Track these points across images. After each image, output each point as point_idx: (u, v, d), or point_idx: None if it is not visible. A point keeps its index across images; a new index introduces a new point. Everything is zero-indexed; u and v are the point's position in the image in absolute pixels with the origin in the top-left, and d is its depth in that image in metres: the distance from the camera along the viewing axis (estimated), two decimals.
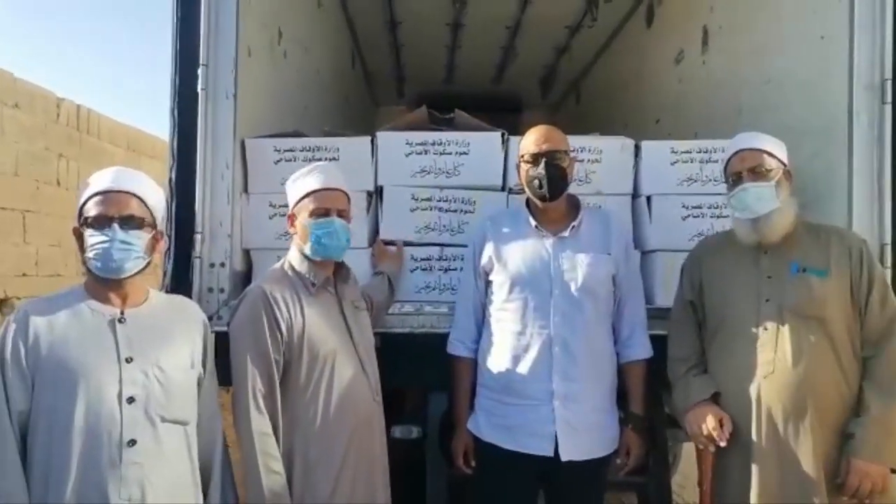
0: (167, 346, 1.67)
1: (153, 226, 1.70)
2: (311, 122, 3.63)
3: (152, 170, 7.42)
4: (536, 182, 2.08)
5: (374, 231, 2.56)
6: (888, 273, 2.23)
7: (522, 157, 2.14)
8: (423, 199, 2.53)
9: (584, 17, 4.94)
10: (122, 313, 1.63)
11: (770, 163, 1.91)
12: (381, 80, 6.59)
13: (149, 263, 1.69)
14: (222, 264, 2.37)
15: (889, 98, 2.31)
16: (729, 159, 1.99)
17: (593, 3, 4.70)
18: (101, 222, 1.61)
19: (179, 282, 2.31)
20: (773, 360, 1.82)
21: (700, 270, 2.04)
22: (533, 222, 2.13)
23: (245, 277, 2.52)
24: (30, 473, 1.48)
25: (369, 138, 2.56)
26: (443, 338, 2.37)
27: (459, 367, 2.21)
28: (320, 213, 1.95)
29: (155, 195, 1.73)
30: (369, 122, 6.80)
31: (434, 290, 2.52)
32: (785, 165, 1.94)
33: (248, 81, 2.52)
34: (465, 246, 2.49)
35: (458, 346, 2.22)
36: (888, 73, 2.31)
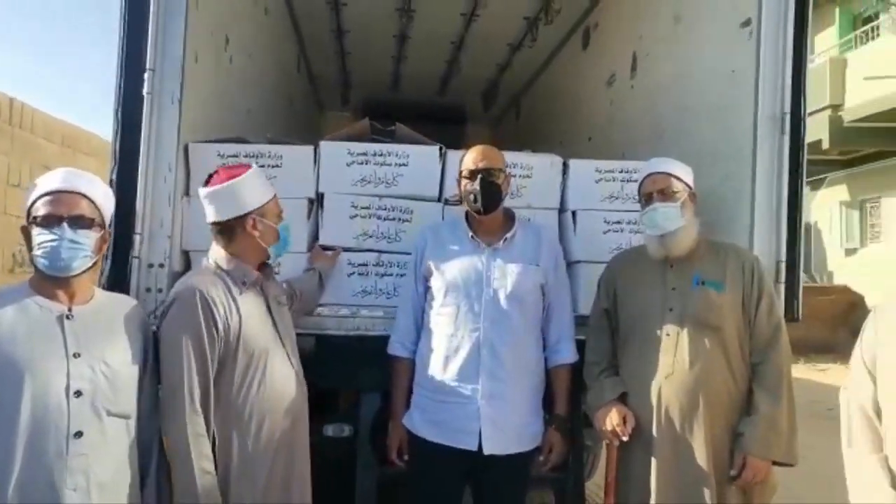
0: (113, 342, 1.73)
1: (102, 226, 1.75)
2: (255, 127, 3.69)
3: (88, 166, 7.25)
4: (472, 196, 2.23)
5: (315, 237, 2.65)
6: (781, 287, 2.49)
7: (461, 172, 2.30)
8: (362, 208, 2.64)
9: (525, 37, 5.16)
10: (69, 310, 1.68)
11: (677, 185, 2.12)
12: (327, 86, 6.66)
13: (96, 262, 1.75)
14: (161, 265, 2.41)
15: (787, 129, 2.56)
16: (642, 181, 2.19)
17: (534, 24, 4.92)
18: (50, 221, 1.66)
19: (117, 281, 2.34)
20: (673, 362, 2.02)
21: (615, 281, 2.24)
22: (470, 233, 2.28)
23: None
24: None
25: (312, 147, 2.66)
26: (377, 340, 2.50)
27: (398, 367, 2.34)
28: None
29: (104, 196, 1.79)
30: (314, 126, 6.85)
31: (370, 294, 2.63)
32: (690, 188, 2.16)
33: (194, 86, 2.58)
34: (401, 253, 2.64)
35: (397, 347, 2.35)
36: (787, 107, 2.56)
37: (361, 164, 2.67)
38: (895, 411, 1.64)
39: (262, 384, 1.95)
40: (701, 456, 1.98)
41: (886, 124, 11.44)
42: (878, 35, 12.07)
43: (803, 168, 2.57)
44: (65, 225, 1.66)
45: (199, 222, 2.55)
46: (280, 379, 2.00)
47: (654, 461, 2.01)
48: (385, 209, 2.66)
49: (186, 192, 2.58)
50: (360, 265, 2.64)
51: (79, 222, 1.68)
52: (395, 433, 2.32)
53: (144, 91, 2.37)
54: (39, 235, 1.66)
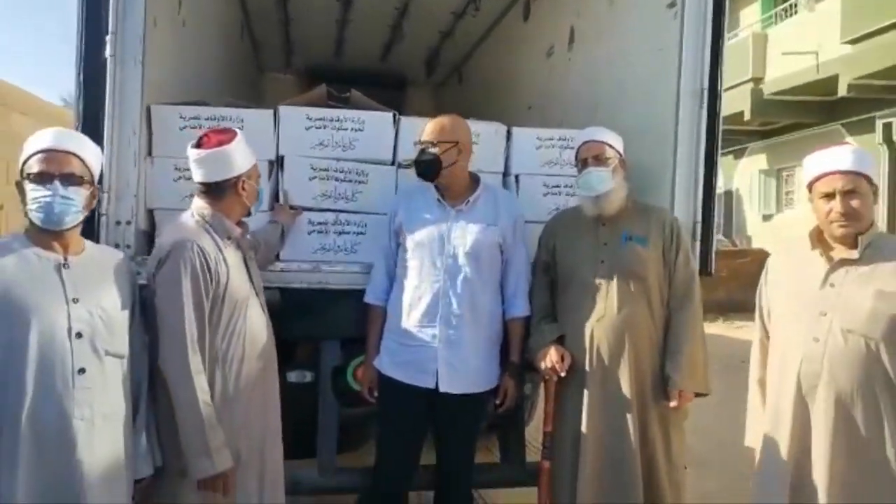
0: (106, 288, 1.88)
1: (91, 183, 1.88)
2: (204, 90, 3.74)
3: (25, 127, 6.96)
4: (416, 165, 2.46)
5: (275, 197, 2.80)
6: (697, 245, 2.82)
7: (416, 142, 2.52)
8: (321, 170, 2.81)
9: (468, 6, 5.30)
10: (65, 259, 1.82)
11: (609, 152, 2.40)
12: (269, 49, 6.62)
13: (86, 217, 1.88)
14: (128, 222, 2.52)
15: (705, 102, 2.86)
16: (579, 148, 2.46)
17: None
18: (43, 178, 1.78)
19: (85, 237, 2.43)
20: (604, 308, 2.33)
21: (553, 238, 2.51)
22: (437, 196, 2.51)
23: (148, 236, 2.69)
24: None
25: (272, 111, 2.79)
26: (336, 294, 2.70)
27: (372, 314, 2.59)
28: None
29: (93, 155, 1.92)
30: (255, 88, 6.84)
31: (329, 251, 2.81)
32: (621, 155, 2.44)
33: (153, 50, 2.65)
34: (358, 212, 2.84)
35: (370, 296, 2.60)
36: (706, 83, 2.86)
37: (319, 128, 2.82)
38: (777, 338, 2.00)
39: (242, 330, 2.13)
40: (626, 387, 2.30)
41: (802, 98, 12.19)
42: (796, 12, 12.75)
43: (718, 139, 2.88)
44: (57, 182, 1.78)
45: (162, 183, 2.70)
46: (256, 327, 2.19)
47: (585, 393, 2.31)
48: (342, 171, 2.83)
49: (149, 153, 2.67)
50: (319, 224, 2.81)
51: (70, 180, 1.81)
52: (367, 373, 2.58)
53: (107, 53, 2.44)
54: (34, 191, 1.78)
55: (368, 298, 2.61)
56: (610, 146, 2.42)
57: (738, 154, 15.61)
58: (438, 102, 7.58)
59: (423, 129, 2.52)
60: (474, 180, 2.61)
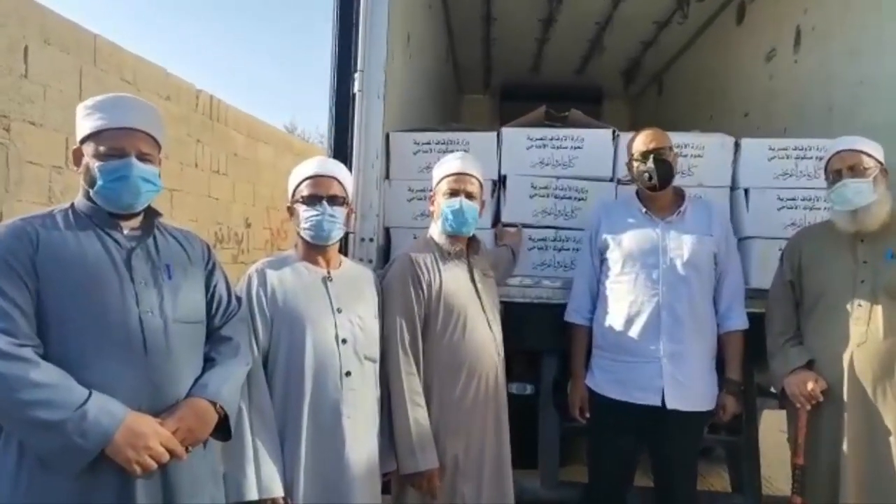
0: (362, 300, 2.11)
1: (347, 203, 2.12)
2: (422, 115, 4.03)
3: (266, 154, 8.07)
4: (646, 175, 2.42)
5: (497, 215, 2.93)
6: None
7: (632, 155, 2.48)
8: (541, 188, 2.89)
9: (674, 14, 5.14)
10: (328, 273, 2.07)
11: (868, 162, 2.18)
12: (469, 70, 6.92)
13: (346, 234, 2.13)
14: (371, 239, 2.78)
15: None
16: (830, 159, 2.26)
17: (685, 1, 4.90)
18: (313, 200, 2.04)
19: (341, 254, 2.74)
20: (866, 332, 2.11)
21: (799, 255, 2.33)
22: (643, 209, 2.47)
23: (385, 252, 2.94)
24: (272, 395, 1.91)
25: (495, 133, 2.93)
26: (557, 308, 2.75)
27: (577, 333, 2.58)
28: (451, 193, 2.30)
29: (349, 179, 2.17)
30: (455, 109, 7.18)
31: (549, 266, 2.88)
32: (881, 164, 2.20)
33: (390, 83, 2.92)
34: (577, 229, 2.87)
35: (574, 315, 2.59)
36: None
37: (540, 147, 2.91)
38: None
39: (461, 338, 2.24)
40: (892, 419, 2.07)
41: None
42: None
43: None
44: (324, 203, 2.04)
45: (398, 203, 2.95)
46: (479, 338, 2.28)
47: (845, 422, 2.11)
48: (562, 189, 2.88)
49: (386, 176, 2.93)
50: (539, 240, 2.89)
51: (334, 200, 2.06)
52: (577, 392, 2.56)
53: (355, 89, 2.73)
54: (305, 212, 2.04)
55: (573, 318, 2.60)
56: (868, 155, 2.19)
57: None
58: (636, 114, 7.41)
59: (637, 142, 2.49)
60: (677, 192, 2.54)
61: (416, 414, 2.13)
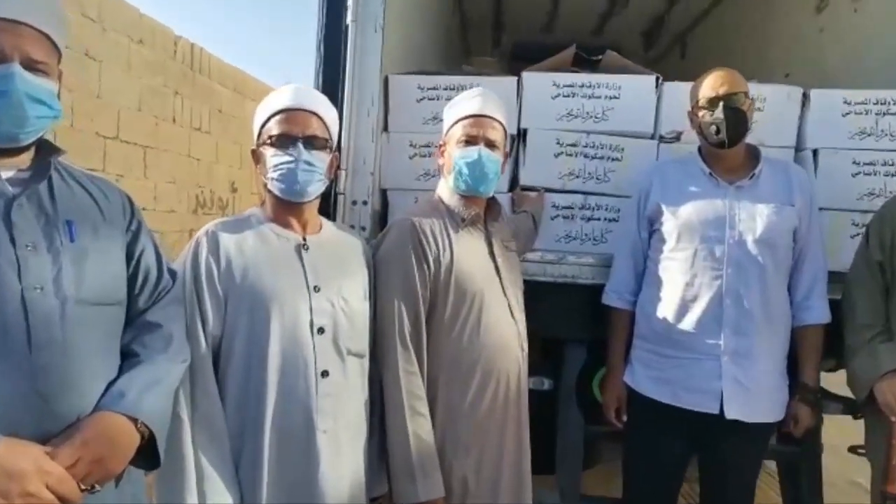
0: (347, 276, 1.63)
1: (331, 149, 1.65)
2: (424, 66, 3.54)
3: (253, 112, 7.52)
4: (714, 127, 1.95)
5: (515, 177, 2.47)
6: None
7: (698, 101, 2.01)
8: (568, 145, 2.42)
9: None
10: (304, 240, 1.60)
11: None
12: (477, 28, 6.40)
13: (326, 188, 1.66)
14: (364, 202, 2.32)
15: None
16: None
17: None
18: (284, 142, 1.55)
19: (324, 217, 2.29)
20: None
21: (893, 230, 1.88)
22: (707, 170, 2.01)
23: (382, 218, 2.49)
24: (225, 398, 1.46)
25: (515, 78, 2.45)
26: (585, 289, 2.31)
27: (616, 319, 2.13)
28: (467, 140, 1.81)
29: (332, 115, 1.68)
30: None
31: (575, 240, 2.43)
32: None
33: (390, 14, 2.43)
34: (610, 195, 2.42)
35: (614, 298, 2.14)
36: None
37: (568, 96, 2.43)
38: None
39: (476, 330, 1.77)
40: None
41: None
42: None
43: None
44: (300, 145, 1.55)
45: (397, 160, 2.48)
46: (499, 329, 1.81)
47: None
48: (593, 146, 2.42)
49: (385, 128, 2.47)
50: (564, 208, 2.43)
51: (313, 142, 1.58)
52: (614, 391, 2.12)
53: (348, 20, 2.25)
54: (274, 157, 1.56)
55: (611, 300, 2.16)
56: None
57: None
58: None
59: (706, 85, 2.01)
60: (751, 150, 2.07)
61: (417, 426, 1.66)
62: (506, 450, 1.80)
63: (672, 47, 6.44)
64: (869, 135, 2.34)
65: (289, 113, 1.58)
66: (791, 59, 4.01)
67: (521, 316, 1.89)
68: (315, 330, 1.51)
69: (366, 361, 1.65)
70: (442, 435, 1.73)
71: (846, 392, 2.15)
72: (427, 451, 1.65)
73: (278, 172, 1.55)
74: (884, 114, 2.33)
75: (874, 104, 2.34)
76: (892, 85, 2.79)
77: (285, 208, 1.60)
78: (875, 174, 2.31)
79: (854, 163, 2.32)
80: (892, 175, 2.29)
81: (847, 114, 2.35)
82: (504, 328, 1.83)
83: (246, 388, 1.46)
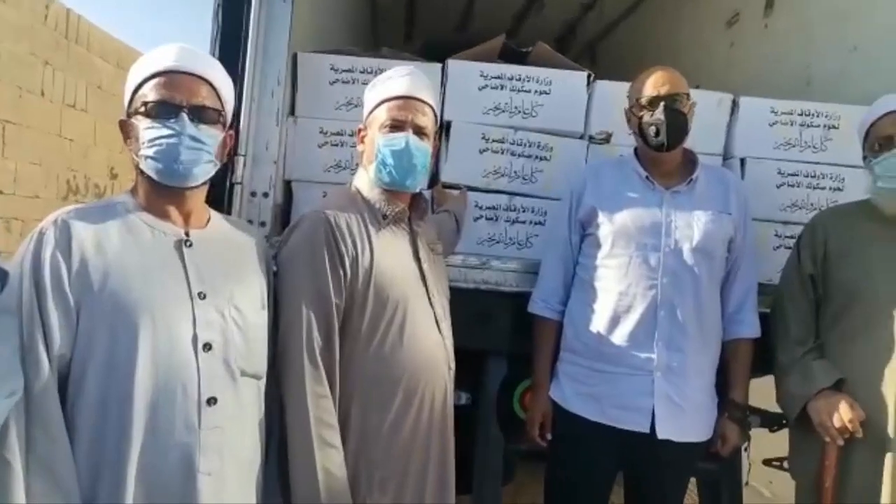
0: (241, 280, 1.35)
1: (224, 124, 1.36)
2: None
3: (112, 78, 6.73)
4: (653, 129, 1.83)
5: (436, 172, 2.26)
6: None
7: (638, 101, 1.88)
8: (494, 140, 2.25)
9: None
10: (186, 235, 1.30)
11: None
12: (388, 22, 6.16)
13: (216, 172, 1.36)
14: (265, 194, 2.04)
15: None
16: (875, 122, 1.77)
17: None
18: (164, 111, 1.25)
19: (214, 209, 1.98)
20: None
21: (825, 243, 1.83)
22: (644, 173, 1.88)
23: (284, 212, 2.21)
24: (74, 437, 1.14)
25: (439, 66, 2.25)
26: (507, 297, 2.14)
27: (543, 329, 1.97)
28: (392, 125, 1.58)
29: (227, 84, 1.38)
30: None
31: (499, 243, 2.26)
32: None
33: None
34: (536, 197, 2.27)
35: (542, 307, 1.98)
36: None
37: (496, 88, 2.26)
38: None
39: (398, 343, 1.53)
40: None
41: None
42: None
43: None
44: (184, 116, 1.25)
45: (305, 149, 2.21)
46: (424, 343, 1.57)
47: (886, 466, 1.63)
48: (520, 144, 2.26)
49: (292, 112, 2.19)
50: (488, 208, 2.25)
51: (201, 115, 1.28)
52: (539, 407, 1.96)
53: None
54: (150, 129, 1.25)
55: (538, 309, 2.00)
56: None
57: None
58: None
59: (647, 84, 1.89)
60: (689, 155, 1.98)
61: (327, 459, 1.41)
62: (428, 481, 1.57)
63: (581, 55, 6.49)
64: (794, 146, 2.32)
65: (171, 76, 1.27)
66: (700, 71, 4.05)
67: (448, 329, 1.67)
68: (200, 347, 1.22)
69: (263, 384, 1.37)
70: (355, 466, 1.48)
71: (764, 404, 2.12)
72: (338, 488, 1.40)
73: (154, 149, 1.25)
74: (808, 125, 2.32)
75: (799, 115, 2.33)
76: (806, 98, 2.85)
77: (163, 195, 1.30)
78: (798, 186, 2.29)
79: (779, 173, 2.29)
80: (815, 187, 2.28)
81: (774, 123, 2.32)
82: (430, 342, 1.60)
83: (103, 425, 1.15)
